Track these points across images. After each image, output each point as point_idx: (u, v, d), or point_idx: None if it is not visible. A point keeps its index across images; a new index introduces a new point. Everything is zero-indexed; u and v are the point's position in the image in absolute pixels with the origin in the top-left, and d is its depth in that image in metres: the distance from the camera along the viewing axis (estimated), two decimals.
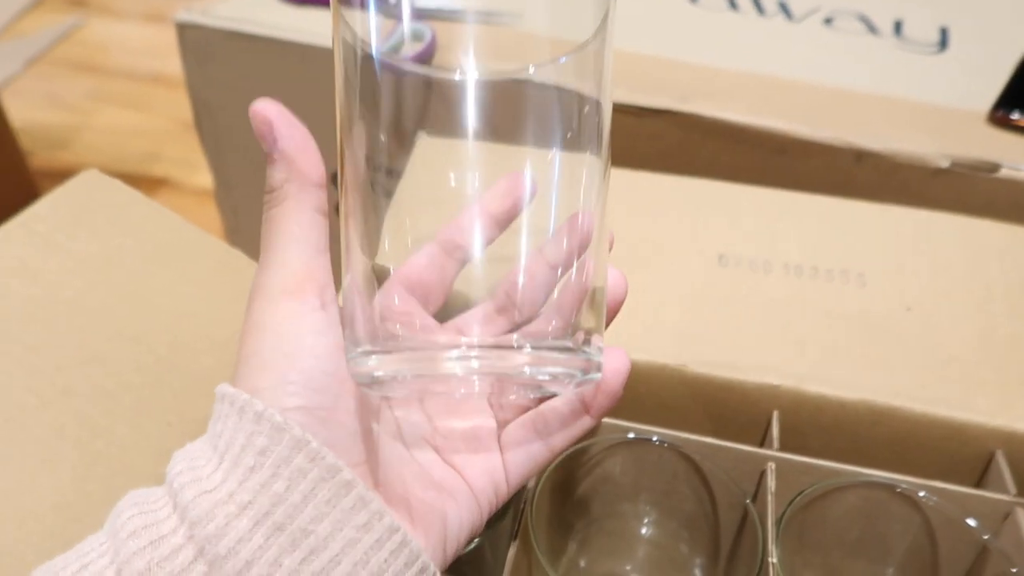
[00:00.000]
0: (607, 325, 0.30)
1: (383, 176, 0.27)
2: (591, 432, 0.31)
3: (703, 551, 0.40)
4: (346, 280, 0.26)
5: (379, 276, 0.26)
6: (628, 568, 0.42)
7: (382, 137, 0.26)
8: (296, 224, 0.26)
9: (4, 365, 0.39)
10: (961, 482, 0.38)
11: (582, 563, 0.41)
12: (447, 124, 0.26)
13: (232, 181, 0.77)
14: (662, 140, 0.59)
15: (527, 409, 0.31)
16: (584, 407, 0.30)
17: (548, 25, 0.28)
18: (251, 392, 0.24)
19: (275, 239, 0.26)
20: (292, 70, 0.66)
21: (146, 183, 1.10)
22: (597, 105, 0.27)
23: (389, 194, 0.28)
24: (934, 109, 0.60)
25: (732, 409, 0.43)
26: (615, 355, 0.29)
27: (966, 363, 0.43)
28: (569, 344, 0.26)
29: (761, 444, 0.43)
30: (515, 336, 0.26)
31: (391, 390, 0.26)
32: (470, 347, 0.25)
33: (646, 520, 0.42)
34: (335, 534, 0.24)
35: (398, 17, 0.27)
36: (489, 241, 0.27)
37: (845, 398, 0.41)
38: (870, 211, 0.52)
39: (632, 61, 0.63)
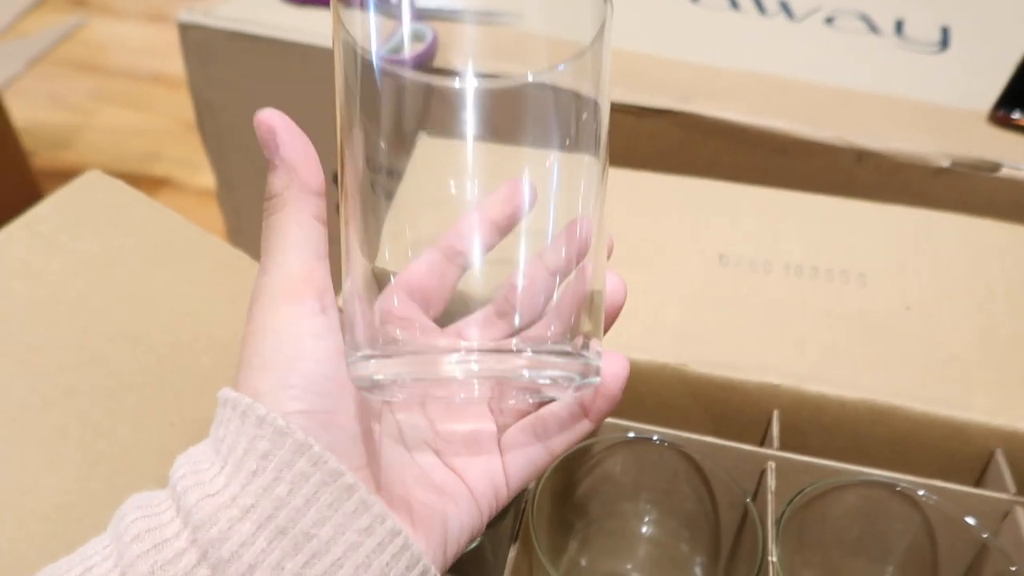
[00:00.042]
0: (606, 330, 0.30)
1: (384, 177, 0.27)
2: (591, 434, 0.32)
3: (703, 550, 0.40)
4: (346, 284, 0.26)
5: (379, 280, 0.26)
6: (629, 567, 0.42)
7: (382, 144, 0.27)
8: (296, 229, 0.26)
9: (7, 366, 0.39)
10: (961, 481, 0.38)
11: (583, 562, 0.41)
12: (447, 127, 0.26)
13: (234, 181, 0.77)
14: (663, 140, 0.59)
15: (526, 413, 0.31)
16: (583, 411, 0.30)
17: (548, 25, 0.28)
18: (252, 395, 0.25)
19: (275, 244, 0.26)
20: (293, 70, 0.66)
21: (148, 183, 1.10)
22: (595, 109, 0.27)
23: (390, 195, 0.28)
24: (935, 109, 0.60)
25: (732, 408, 0.43)
26: (614, 359, 0.29)
27: (966, 363, 0.43)
28: (568, 348, 0.26)
29: (761, 443, 0.43)
30: (514, 340, 0.26)
31: (391, 394, 0.26)
32: (470, 351, 0.25)
33: (647, 519, 0.42)
34: (337, 538, 0.24)
35: (399, 18, 0.27)
36: (489, 247, 0.27)
37: (845, 397, 0.41)
38: (871, 211, 0.52)
39: (633, 61, 0.63)
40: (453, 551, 0.28)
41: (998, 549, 0.35)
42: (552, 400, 0.30)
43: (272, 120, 0.26)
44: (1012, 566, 0.34)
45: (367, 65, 0.26)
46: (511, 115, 0.26)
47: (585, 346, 0.26)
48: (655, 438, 0.39)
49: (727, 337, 0.44)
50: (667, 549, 0.42)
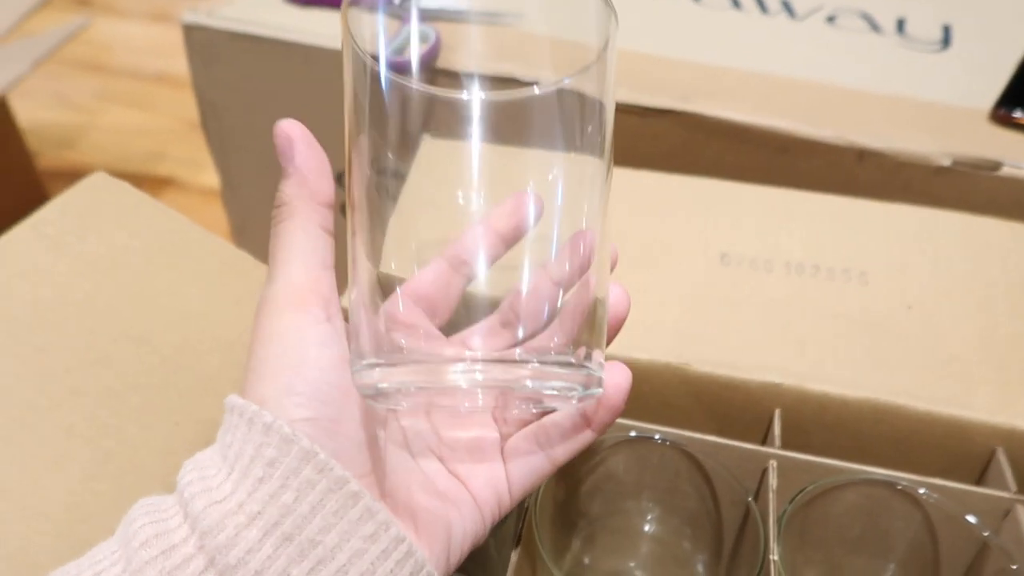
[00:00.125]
0: (610, 341, 0.30)
1: (390, 179, 0.27)
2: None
3: (706, 548, 0.41)
4: (352, 292, 0.26)
5: (385, 287, 0.27)
6: (631, 565, 0.42)
7: (390, 155, 0.27)
8: (303, 238, 0.27)
9: (14, 366, 0.40)
10: (962, 479, 0.38)
11: (586, 560, 0.42)
12: (453, 134, 0.26)
13: (238, 181, 0.77)
14: (665, 140, 0.59)
15: (529, 422, 0.31)
16: (586, 421, 0.30)
17: (550, 25, 0.28)
18: (258, 402, 0.25)
19: (281, 253, 0.27)
20: (297, 71, 0.66)
21: (152, 182, 1.10)
22: (600, 121, 0.28)
23: (395, 198, 0.28)
24: (936, 107, 0.60)
25: (734, 407, 0.43)
26: (616, 370, 0.29)
27: (967, 361, 0.43)
28: (571, 359, 0.26)
29: (763, 442, 0.43)
30: (518, 351, 0.26)
31: (395, 402, 0.26)
32: (474, 360, 0.25)
33: (649, 517, 0.42)
34: (342, 545, 0.24)
35: (403, 19, 0.27)
36: (495, 259, 0.28)
37: (847, 396, 0.42)
38: (872, 210, 0.52)
39: (635, 61, 0.63)
40: (456, 557, 0.28)
41: (999, 547, 0.35)
42: (555, 410, 0.30)
43: (291, 130, 0.27)
44: (1013, 564, 0.35)
45: (375, 75, 0.26)
46: (516, 127, 0.27)
47: (588, 357, 0.26)
48: (657, 437, 0.39)
49: (729, 336, 0.44)
50: (669, 547, 0.42)
